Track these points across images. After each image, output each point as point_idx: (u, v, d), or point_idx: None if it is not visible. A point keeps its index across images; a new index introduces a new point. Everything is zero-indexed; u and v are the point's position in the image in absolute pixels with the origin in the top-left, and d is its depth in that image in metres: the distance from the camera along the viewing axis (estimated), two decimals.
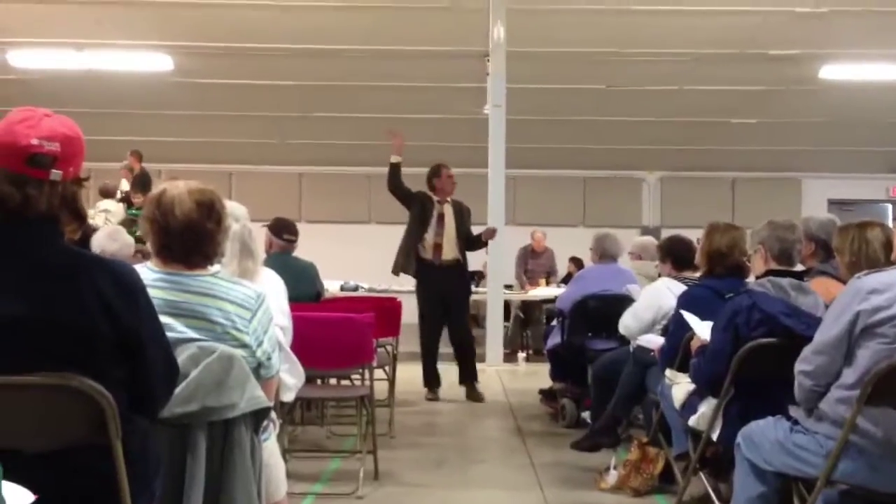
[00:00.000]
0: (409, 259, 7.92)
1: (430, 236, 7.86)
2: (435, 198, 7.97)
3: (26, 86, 11.55)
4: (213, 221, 2.68)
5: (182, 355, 2.51)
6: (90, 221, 9.78)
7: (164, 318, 2.44)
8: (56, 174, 2.07)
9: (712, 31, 11.47)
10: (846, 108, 13.63)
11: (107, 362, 2.11)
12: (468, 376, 7.95)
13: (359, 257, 14.39)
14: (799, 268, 4.03)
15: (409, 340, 8.80)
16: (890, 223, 15.58)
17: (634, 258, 6.85)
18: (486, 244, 8.30)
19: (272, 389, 2.98)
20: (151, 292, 2.36)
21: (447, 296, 7.92)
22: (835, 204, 15.60)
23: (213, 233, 2.69)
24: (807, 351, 3.08)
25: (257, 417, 2.67)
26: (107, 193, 10.96)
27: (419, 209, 7.93)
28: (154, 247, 2.71)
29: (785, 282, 3.70)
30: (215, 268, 2.80)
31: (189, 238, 2.65)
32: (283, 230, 6.03)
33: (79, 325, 2.07)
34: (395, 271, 8.09)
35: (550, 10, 10.96)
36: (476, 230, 8.22)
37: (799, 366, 3.09)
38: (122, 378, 2.16)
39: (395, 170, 7.97)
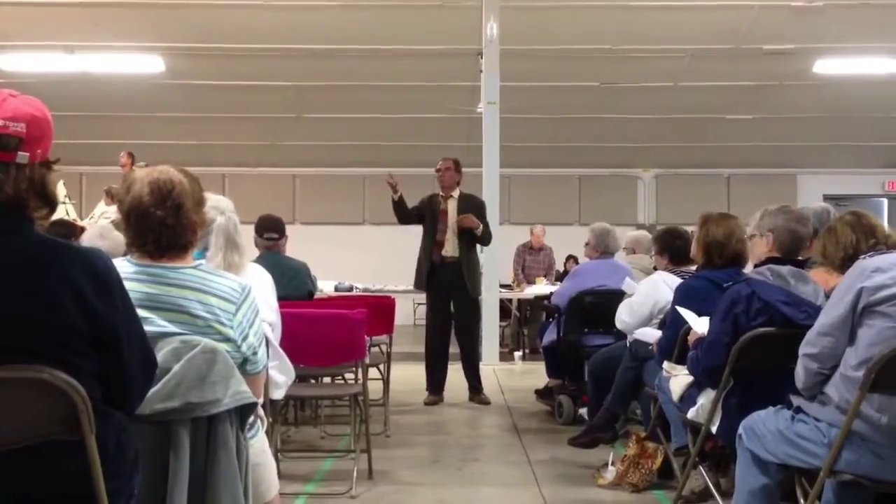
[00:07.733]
0: (421, 271, 7.67)
1: (438, 234, 7.58)
2: (440, 194, 7.74)
3: (18, 89, 11.42)
4: (165, 209, 2.54)
5: (164, 349, 2.43)
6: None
7: (143, 312, 2.36)
8: (23, 156, 1.98)
9: (706, 27, 11.42)
10: (841, 102, 13.59)
11: (79, 355, 2.03)
12: (471, 384, 7.67)
13: (353, 258, 14.39)
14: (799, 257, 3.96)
15: (404, 340, 8.73)
16: (885, 218, 15.59)
17: (629, 252, 6.78)
18: (478, 238, 7.64)
19: (259, 385, 2.89)
20: (130, 285, 2.28)
21: (451, 296, 7.62)
22: (830, 199, 15.55)
23: (165, 221, 2.54)
24: (811, 334, 3.02)
25: (243, 414, 2.58)
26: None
27: (428, 213, 7.68)
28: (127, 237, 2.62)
29: (784, 270, 3.62)
30: (199, 261, 2.71)
31: (140, 224, 2.55)
32: (264, 229, 5.87)
33: (50, 317, 1.98)
34: (417, 286, 7.84)
35: (544, 6, 10.90)
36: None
37: (804, 349, 3.03)
38: (97, 371, 2.07)
39: (396, 206, 7.61)
